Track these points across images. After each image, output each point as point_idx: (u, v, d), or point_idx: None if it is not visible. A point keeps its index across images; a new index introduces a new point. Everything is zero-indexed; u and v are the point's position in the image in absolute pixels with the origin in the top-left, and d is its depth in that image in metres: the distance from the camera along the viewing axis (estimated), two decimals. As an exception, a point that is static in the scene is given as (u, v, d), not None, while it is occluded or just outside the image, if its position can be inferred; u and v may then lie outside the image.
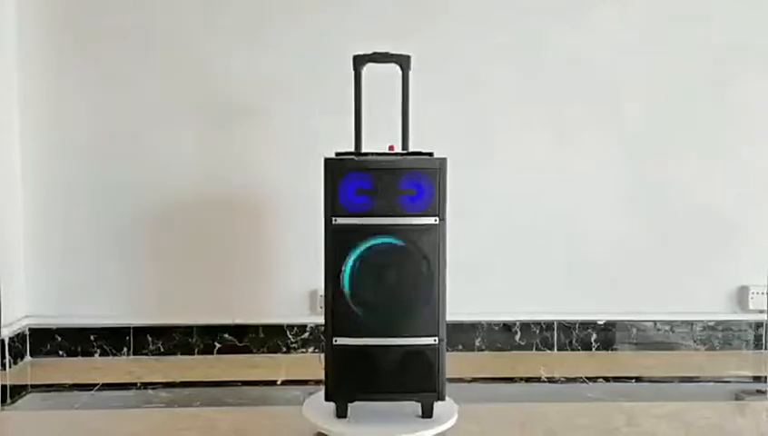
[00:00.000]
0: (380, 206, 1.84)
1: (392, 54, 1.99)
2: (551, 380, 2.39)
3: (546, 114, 2.63)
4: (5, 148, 2.48)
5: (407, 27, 2.54)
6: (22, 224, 2.55)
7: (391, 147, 1.96)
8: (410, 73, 2.01)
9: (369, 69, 2.01)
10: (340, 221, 1.84)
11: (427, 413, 1.89)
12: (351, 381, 1.88)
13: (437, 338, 1.87)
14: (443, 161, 1.86)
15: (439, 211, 1.85)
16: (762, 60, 2.66)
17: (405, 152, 2.00)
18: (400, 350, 1.86)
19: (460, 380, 2.31)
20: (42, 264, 2.57)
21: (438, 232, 1.85)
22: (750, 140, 2.68)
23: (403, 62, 2.00)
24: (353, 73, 1.99)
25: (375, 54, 1.99)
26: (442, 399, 1.89)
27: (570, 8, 2.61)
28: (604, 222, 2.67)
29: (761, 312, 2.69)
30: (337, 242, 1.85)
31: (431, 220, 1.85)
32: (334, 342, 1.87)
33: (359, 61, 2.00)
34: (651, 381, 2.40)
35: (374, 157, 1.88)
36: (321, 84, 2.54)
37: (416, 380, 1.87)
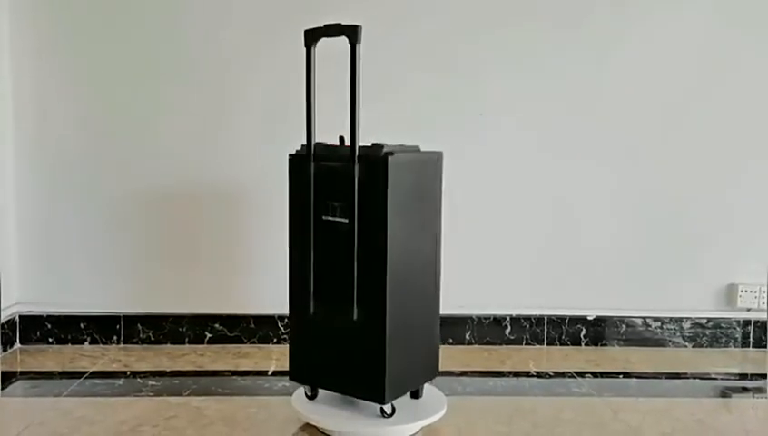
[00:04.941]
0: None
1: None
2: (540, 374, 2.40)
3: (542, 114, 2.63)
4: (-3, 134, 2.47)
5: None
6: (13, 212, 2.54)
7: (341, 138, 1.85)
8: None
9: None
10: None
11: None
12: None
13: None
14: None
15: None
16: (751, 65, 2.67)
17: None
18: None
19: (450, 373, 2.33)
20: (33, 252, 2.56)
21: None
22: (745, 139, 2.69)
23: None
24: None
25: (326, 26, 1.75)
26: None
27: (568, 15, 2.61)
28: (595, 219, 2.68)
29: (748, 309, 2.71)
30: None
31: None
32: None
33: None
34: (639, 376, 2.41)
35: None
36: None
37: None
